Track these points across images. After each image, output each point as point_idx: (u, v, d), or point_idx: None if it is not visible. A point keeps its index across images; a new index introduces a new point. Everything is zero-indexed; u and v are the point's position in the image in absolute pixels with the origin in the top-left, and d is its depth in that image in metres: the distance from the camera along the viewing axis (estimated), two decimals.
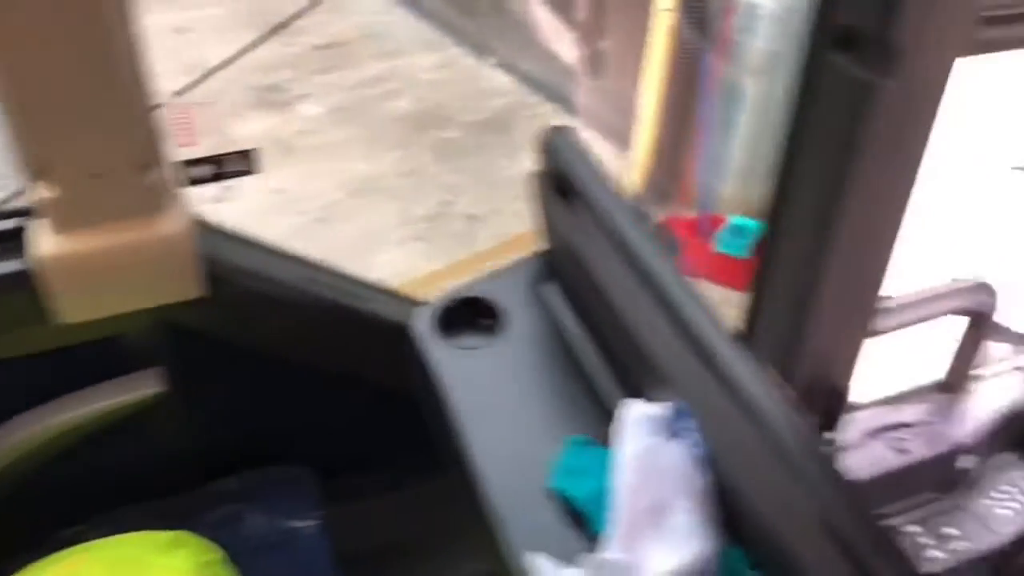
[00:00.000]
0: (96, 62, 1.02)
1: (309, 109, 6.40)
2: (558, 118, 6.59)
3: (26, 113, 1.05)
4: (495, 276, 1.46)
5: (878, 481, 2.31)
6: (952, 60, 1.14)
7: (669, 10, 5.00)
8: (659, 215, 5.60)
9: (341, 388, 1.52)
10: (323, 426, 1.62)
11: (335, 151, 5.99)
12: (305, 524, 1.49)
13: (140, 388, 1.38)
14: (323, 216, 5.51)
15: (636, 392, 1.32)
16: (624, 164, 6.05)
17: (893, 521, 2.45)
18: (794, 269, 1.41)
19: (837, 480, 0.93)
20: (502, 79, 6.89)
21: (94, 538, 1.32)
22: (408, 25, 7.45)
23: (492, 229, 5.70)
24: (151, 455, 1.51)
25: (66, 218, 1.15)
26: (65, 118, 1.06)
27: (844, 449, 2.23)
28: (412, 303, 1.50)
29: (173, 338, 1.37)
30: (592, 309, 1.41)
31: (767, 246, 1.48)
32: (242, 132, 6.23)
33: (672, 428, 1.21)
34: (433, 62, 7.01)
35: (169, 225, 1.20)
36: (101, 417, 1.39)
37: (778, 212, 1.41)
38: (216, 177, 1.27)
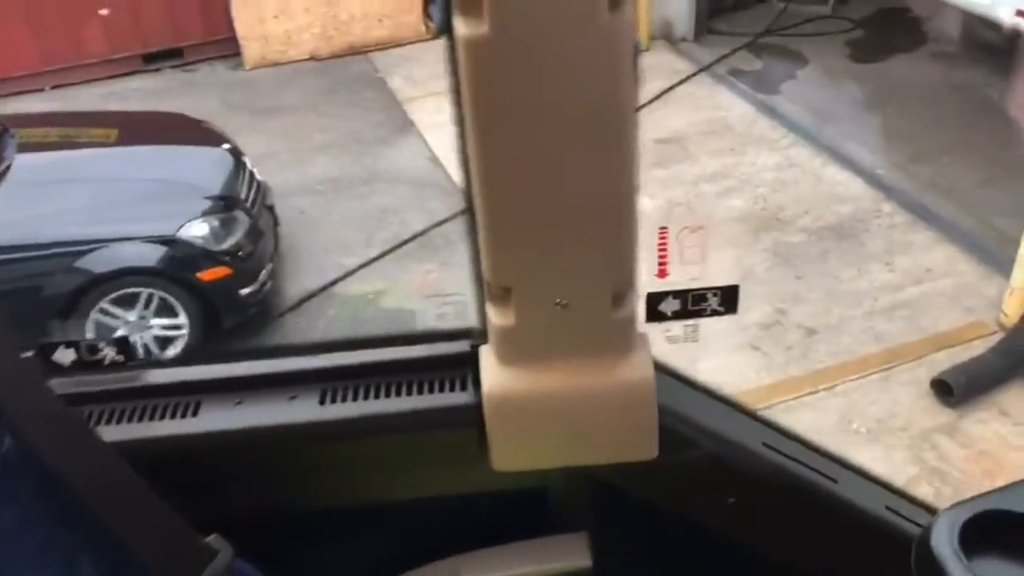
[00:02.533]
0: (598, 178, 0.85)
1: (644, 203, 6.30)
2: (914, 230, 5.97)
3: (500, 228, 0.87)
4: None
5: None
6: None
7: None
8: None
9: None
10: None
11: None
12: None
13: (563, 557, 1.18)
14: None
15: None
16: (999, 285, 5.31)
17: None
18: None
19: None
20: (852, 183, 6.39)
21: None
22: (752, 122, 7.18)
23: (831, 346, 5.20)
24: None
25: (518, 350, 0.96)
26: (544, 236, 0.87)
27: None
28: (906, 499, 1.16)
29: (607, 501, 1.15)
30: None
31: None
32: None
33: None
34: (776, 162, 6.67)
35: (631, 370, 0.97)
36: None
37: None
38: (686, 314, 1.05)
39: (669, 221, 1.01)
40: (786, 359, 5.07)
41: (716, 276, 1.05)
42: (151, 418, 1.03)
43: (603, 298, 0.93)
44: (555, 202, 0.86)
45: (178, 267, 4.77)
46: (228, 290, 4.85)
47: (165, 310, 4.80)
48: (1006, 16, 5.76)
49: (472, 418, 1.01)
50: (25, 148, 5.11)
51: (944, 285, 5.58)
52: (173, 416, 1.04)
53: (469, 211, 0.89)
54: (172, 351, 4.89)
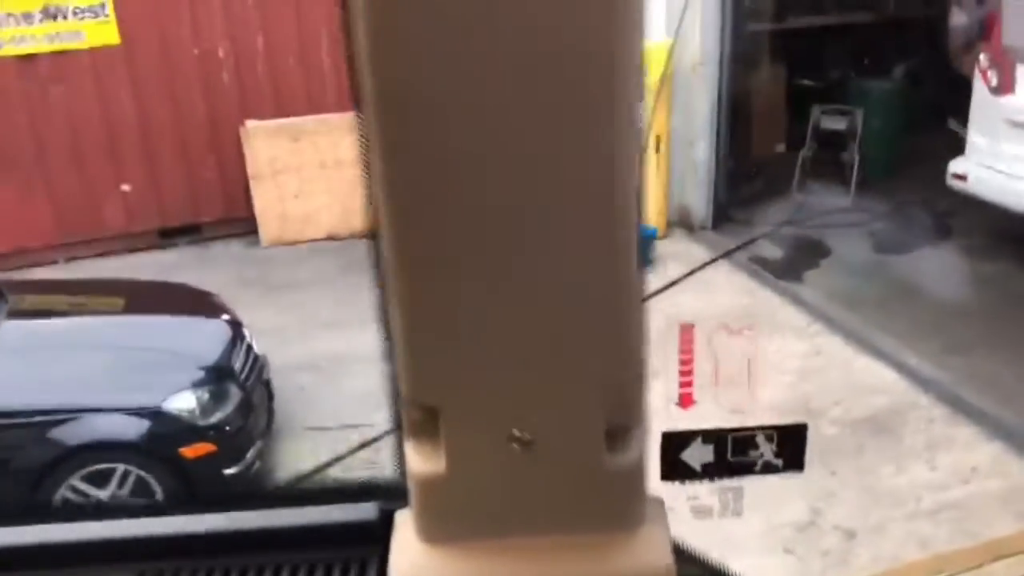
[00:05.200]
0: (577, 235, 0.54)
1: (667, 388, 5.95)
2: (955, 425, 5.55)
3: (422, 312, 0.57)
4: None
5: None
6: None
7: None
8: None
9: None
10: None
11: None
12: None
13: None
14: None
15: None
16: None
17: None
18: None
19: None
20: (884, 374, 6.04)
21: None
22: (776, 310, 6.94)
23: (873, 550, 4.68)
24: None
25: (449, 516, 0.61)
26: (492, 327, 0.56)
27: None
28: None
29: None
30: None
31: None
32: None
33: None
34: (803, 350, 6.35)
35: (637, 557, 0.63)
36: None
37: None
38: (724, 470, 0.71)
39: (697, 319, 0.69)
40: (823, 565, 4.55)
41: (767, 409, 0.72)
42: None
43: (590, 434, 0.58)
44: (509, 275, 0.54)
45: (159, 442, 4.42)
46: (211, 468, 4.47)
47: (140, 488, 4.41)
48: None
49: None
50: (16, 314, 4.91)
51: (993, 486, 5.10)
52: None
53: (383, 299, 0.58)
54: None
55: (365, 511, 0.70)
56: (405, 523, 0.64)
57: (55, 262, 7.99)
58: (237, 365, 4.91)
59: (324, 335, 6.78)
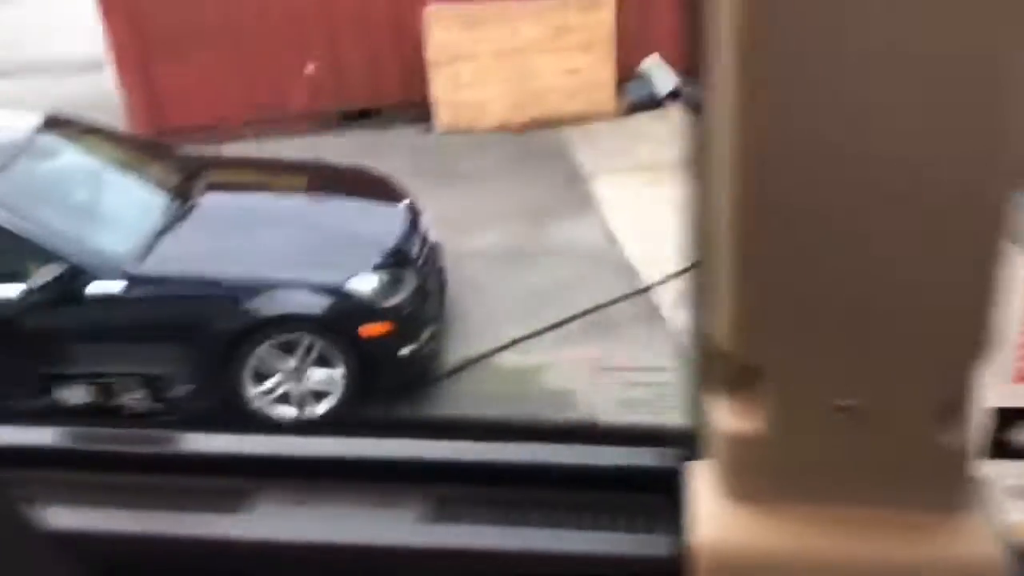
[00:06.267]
0: (940, 185, 0.51)
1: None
2: None
3: (757, 264, 0.54)
4: None
5: None
6: None
7: None
8: None
9: None
10: None
11: None
12: None
13: None
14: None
15: None
16: None
17: None
18: None
19: None
20: None
21: None
22: None
23: None
24: None
25: (762, 478, 0.59)
26: (832, 283, 0.53)
27: None
28: None
29: None
30: None
31: None
32: None
33: None
34: None
35: (964, 540, 0.59)
36: None
37: None
38: None
39: None
40: None
41: None
42: (171, 506, 0.70)
43: (921, 406, 0.56)
44: (864, 236, 0.51)
45: (341, 319, 4.65)
46: (387, 347, 4.68)
47: (322, 362, 4.69)
48: None
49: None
50: (214, 188, 5.21)
51: None
52: (203, 508, 0.70)
53: (697, 246, 0.56)
54: (323, 406, 4.75)
55: (658, 457, 0.69)
56: (702, 476, 0.63)
57: (244, 138, 8.38)
58: (414, 251, 5.06)
59: (492, 227, 6.85)
